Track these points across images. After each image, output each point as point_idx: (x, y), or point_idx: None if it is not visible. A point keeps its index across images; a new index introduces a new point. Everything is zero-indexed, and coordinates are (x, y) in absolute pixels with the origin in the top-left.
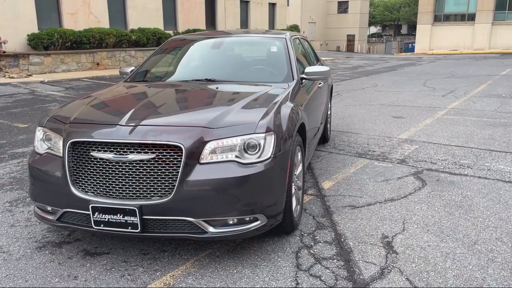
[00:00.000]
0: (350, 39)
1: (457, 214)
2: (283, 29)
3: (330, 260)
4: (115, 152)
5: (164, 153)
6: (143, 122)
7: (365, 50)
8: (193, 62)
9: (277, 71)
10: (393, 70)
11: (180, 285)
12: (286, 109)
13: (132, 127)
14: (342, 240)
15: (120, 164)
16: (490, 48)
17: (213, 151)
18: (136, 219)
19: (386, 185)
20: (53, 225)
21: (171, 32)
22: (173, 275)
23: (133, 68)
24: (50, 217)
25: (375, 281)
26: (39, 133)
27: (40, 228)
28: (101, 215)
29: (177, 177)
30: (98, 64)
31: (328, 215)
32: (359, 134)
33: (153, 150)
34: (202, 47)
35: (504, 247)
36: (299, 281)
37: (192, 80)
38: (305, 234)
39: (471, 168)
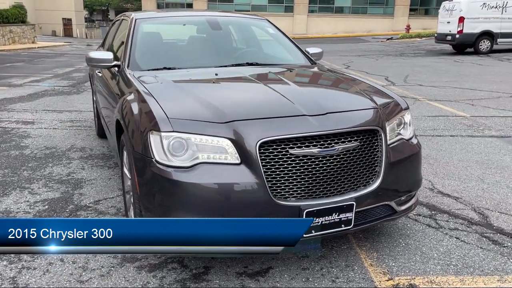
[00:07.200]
0: (67, 23)
1: (435, 164)
2: (6, 9)
3: (440, 215)
4: (319, 146)
5: (364, 139)
6: (326, 110)
7: (84, 35)
8: (205, 46)
9: (291, 53)
10: None
11: (402, 275)
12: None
13: (323, 115)
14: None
15: (328, 158)
16: None
17: (389, 131)
18: (351, 215)
19: None
20: None
21: None
22: (374, 271)
23: (110, 52)
24: None
25: (498, 218)
26: (166, 140)
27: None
28: (315, 219)
29: (380, 162)
30: None
31: None
32: None
33: (355, 138)
34: (198, 28)
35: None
36: (456, 236)
37: (232, 64)
38: None
39: None
